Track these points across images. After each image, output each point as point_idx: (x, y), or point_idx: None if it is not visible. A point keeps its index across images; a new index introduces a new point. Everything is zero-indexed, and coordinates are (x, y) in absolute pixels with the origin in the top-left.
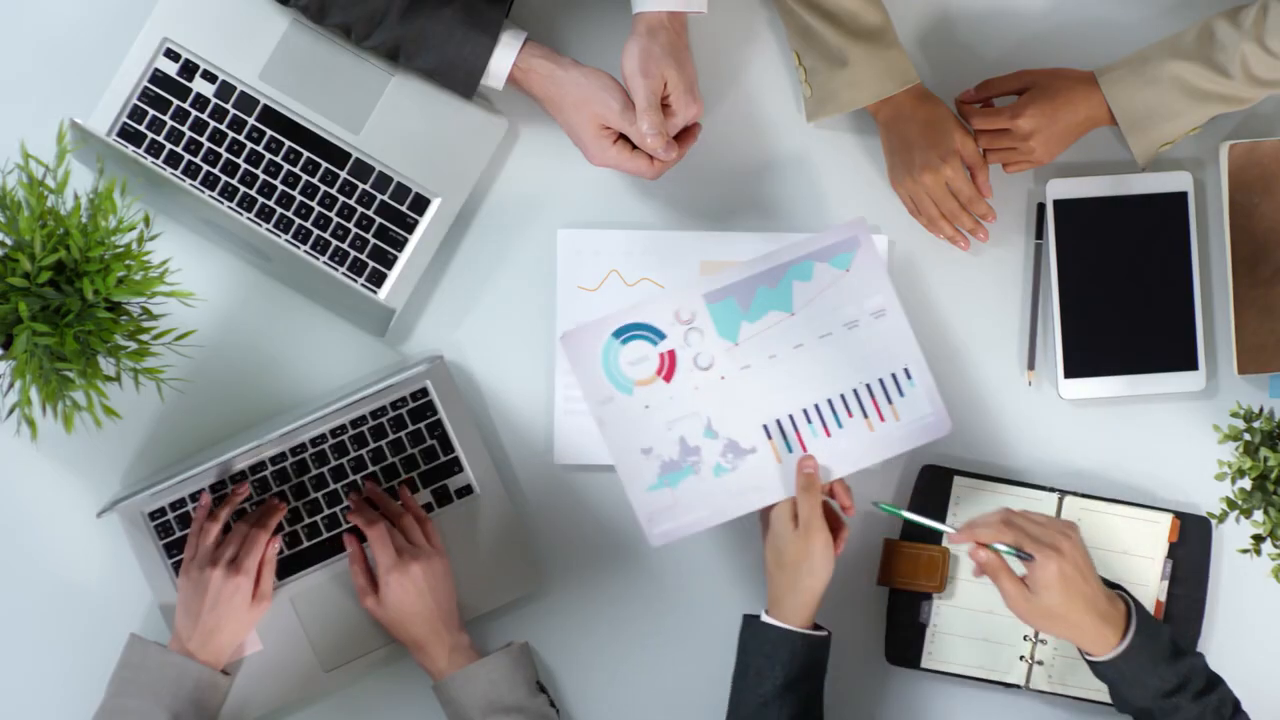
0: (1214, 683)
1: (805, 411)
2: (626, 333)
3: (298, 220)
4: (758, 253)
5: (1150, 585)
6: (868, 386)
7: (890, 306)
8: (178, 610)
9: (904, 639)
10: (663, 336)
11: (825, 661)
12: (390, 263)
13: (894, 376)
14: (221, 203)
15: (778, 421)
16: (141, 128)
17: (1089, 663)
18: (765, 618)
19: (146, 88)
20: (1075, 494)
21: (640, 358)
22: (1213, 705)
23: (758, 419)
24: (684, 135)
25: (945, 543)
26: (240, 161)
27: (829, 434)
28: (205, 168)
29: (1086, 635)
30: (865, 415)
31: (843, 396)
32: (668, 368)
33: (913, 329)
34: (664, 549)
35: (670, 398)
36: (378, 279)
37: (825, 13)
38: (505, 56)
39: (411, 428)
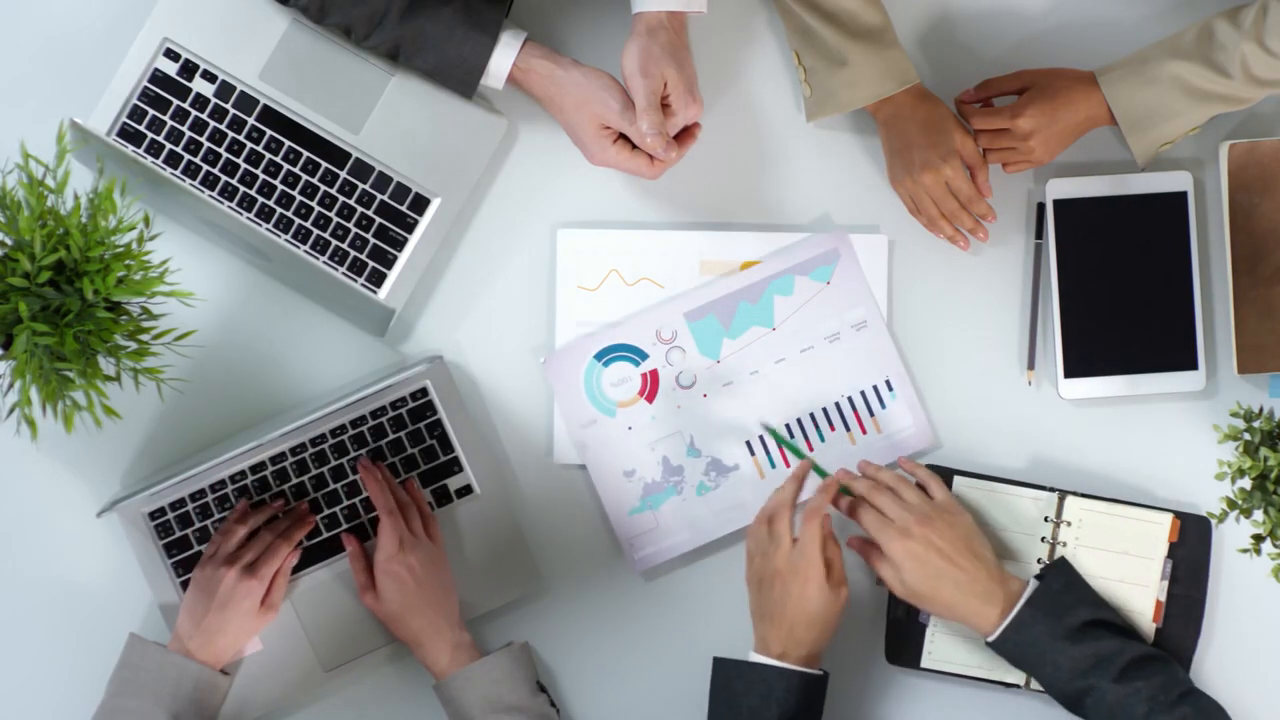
0: (1148, 670)
1: (788, 426)
2: (608, 354)
3: (297, 220)
4: (757, 251)
5: (1150, 585)
6: (849, 399)
7: (871, 318)
8: (182, 608)
9: (904, 639)
10: (644, 357)
11: (822, 702)
12: (390, 263)
13: (875, 389)
14: (221, 202)
15: (760, 437)
16: (141, 128)
17: (992, 646)
18: (761, 658)
19: (146, 88)
20: (1075, 494)
21: (622, 379)
22: (1144, 692)
23: (741, 435)
24: (684, 135)
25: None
26: (240, 161)
27: (811, 448)
28: (205, 167)
29: (963, 614)
30: (847, 428)
31: (825, 410)
32: (650, 388)
33: (905, 334)
34: None
35: (653, 418)
36: (377, 279)
37: (824, 13)
38: (505, 56)
39: (411, 428)
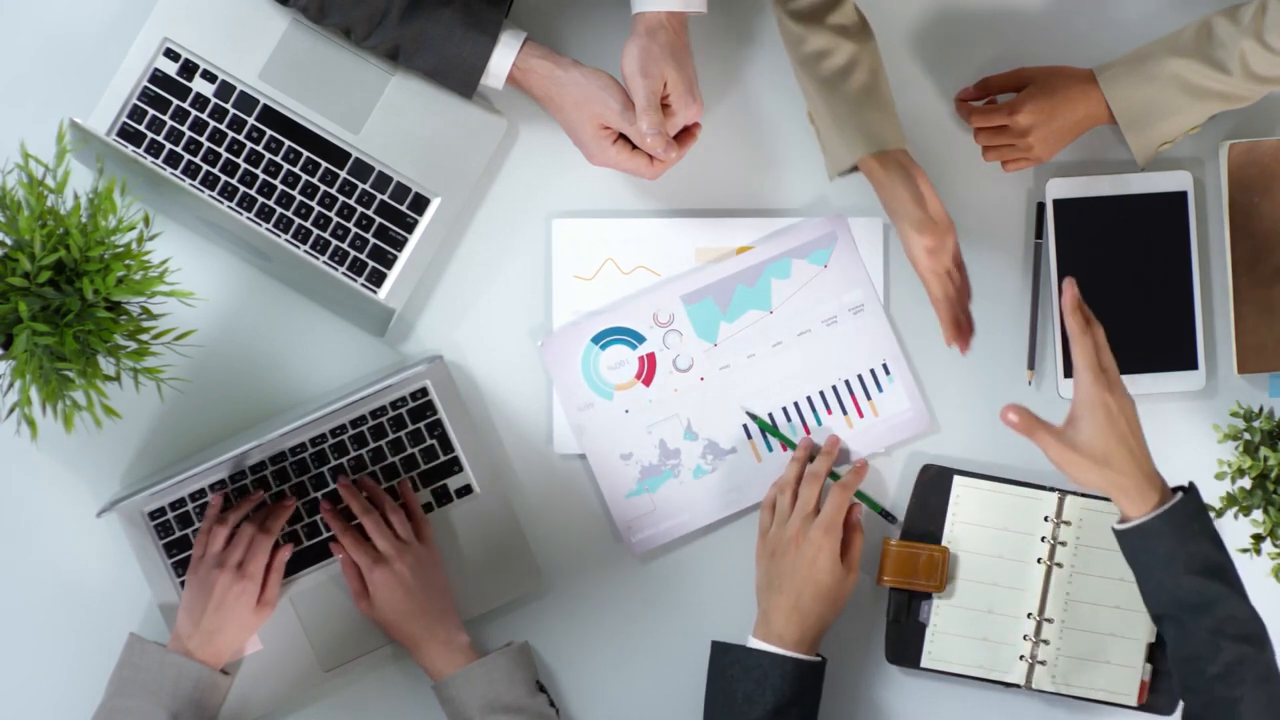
0: (1241, 639)
1: (785, 410)
2: (605, 337)
3: (297, 220)
4: (752, 238)
5: None
6: (846, 383)
7: (869, 301)
8: (180, 609)
9: (904, 639)
10: (642, 340)
11: (819, 687)
12: (390, 262)
13: (872, 372)
14: (221, 202)
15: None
16: (141, 127)
17: (1116, 533)
18: (758, 643)
19: (146, 87)
20: (1075, 494)
21: (619, 362)
22: (1226, 654)
23: (738, 419)
24: (684, 135)
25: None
26: (240, 161)
27: (808, 432)
28: (205, 167)
29: (1126, 484)
30: (844, 412)
31: (822, 394)
32: (647, 371)
33: (904, 322)
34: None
35: (650, 401)
36: (377, 279)
37: (817, 78)
38: (505, 56)
39: (411, 427)
